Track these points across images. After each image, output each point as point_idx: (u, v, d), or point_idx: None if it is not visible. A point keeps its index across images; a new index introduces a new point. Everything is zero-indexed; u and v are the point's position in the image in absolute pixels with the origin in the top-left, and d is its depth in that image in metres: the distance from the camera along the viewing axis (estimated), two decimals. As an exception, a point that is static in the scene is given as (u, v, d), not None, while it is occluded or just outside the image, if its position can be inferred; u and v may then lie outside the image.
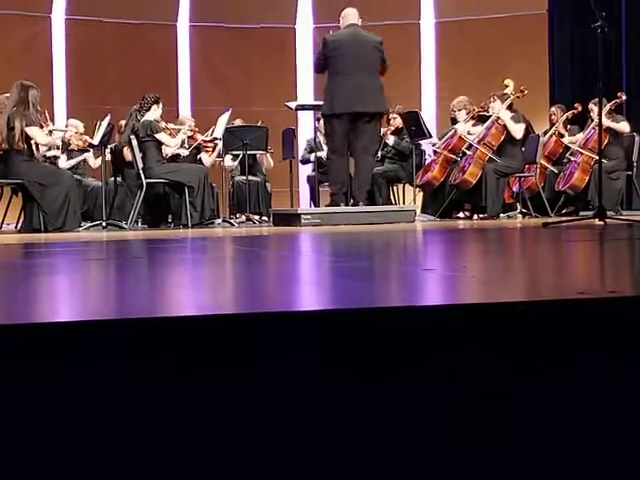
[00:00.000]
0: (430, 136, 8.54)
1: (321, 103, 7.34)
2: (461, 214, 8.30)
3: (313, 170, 8.58)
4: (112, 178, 8.31)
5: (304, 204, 10.19)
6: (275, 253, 3.29)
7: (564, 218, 6.12)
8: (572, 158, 8.43)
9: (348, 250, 3.19)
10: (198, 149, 8.61)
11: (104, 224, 7.31)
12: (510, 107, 8.18)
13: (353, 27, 7.15)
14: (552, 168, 8.74)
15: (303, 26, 12.26)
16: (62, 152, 8.54)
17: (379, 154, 8.46)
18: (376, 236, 4.49)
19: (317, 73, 7.72)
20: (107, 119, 7.69)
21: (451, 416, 0.99)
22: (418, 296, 1.44)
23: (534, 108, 9.58)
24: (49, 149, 8.07)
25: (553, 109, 9.14)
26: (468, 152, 8.31)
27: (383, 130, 8.52)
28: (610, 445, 1.02)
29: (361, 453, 0.97)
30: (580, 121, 8.80)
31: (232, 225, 7.85)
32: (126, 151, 7.99)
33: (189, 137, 8.31)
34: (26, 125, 6.75)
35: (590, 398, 1.02)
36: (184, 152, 8.19)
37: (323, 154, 8.44)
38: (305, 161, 9.42)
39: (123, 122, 8.16)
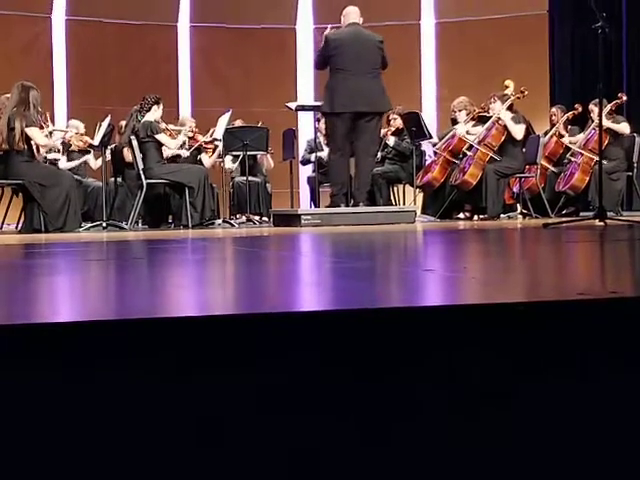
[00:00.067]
0: (430, 137, 8.54)
1: (321, 104, 7.34)
2: (461, 215, 8.29)
3: (313, 171, 8.58)
4: (112, 179, 8.31)
5: (304, 205, 10.19)
6: (275, 254, 3.29)
7: (564, 219, 6.12)
8: (572, 159, 8.44)
9: (348, 251, 3.19)
10: (198, 150, 8.62)
11: (104, 225, 7.31)
12: (510, 108, 8.18)
13: (354, 26, 7.15)
14: (552, 169, 8.74)
15: (303, 27, 12.26)
16: (62, 153, 8.54)
17: (379, 155, 8.46)
18: (376, 237, 4.49)
19: (317, 69, 7.73)
20: (107, 120, 7.69)
21: (451, 416, 0.99)
22: (418, 297, 1.44)
23: (534, 109, 9.58)
24: (50, 151, 8.07)
25: (553, 110, 9.14)
26: (468, 153, 8.31)
27: (383, 131, 8.53)
28: (610, 445, 1.02)
29: (361, 452, 0.97)
30: (580, 122, 8.80)
31: (232, 226, 7.85)
32: (126, 152, 7.99)
33: (190, 138, 8.31)
34: (26, 126, 6.75)
35: (590, 398, 1.02)
36: (185, 153, 8.19)
37: (323, 155, 8.44)
38: (305, 162, 9.42)
39: (123, 123, 8.16)
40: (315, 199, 8.80)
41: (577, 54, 11.18)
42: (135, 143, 7.45)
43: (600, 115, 5.39)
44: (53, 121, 8.76)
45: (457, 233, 5.19)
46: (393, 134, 8.90)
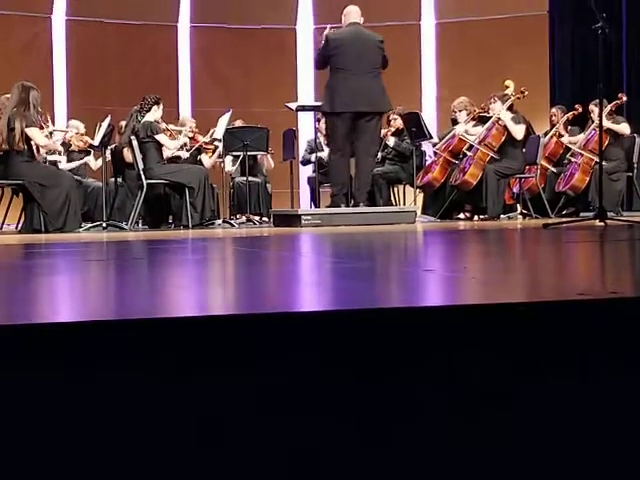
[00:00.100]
0: (431, 137, 8.54)
1: (321, 104, 7.33)
2: (461, 215, 8.30)
3: (313, 171, 8.59)
4: (112, 179, 8.31)
5: (304, 205, 10.19)
6: (275, 254, 3.29)
7: (564, 219, 6.12)
8: (572, 159, 8.44)
9: (348, 251, 3.19)
10: (199, 150, 8.62)
11: (104, 225, 7.31)
12: (511, 108, 8.18)
13: (355, 25, 7.15)
14: (552, 169, 8.74)
15: (304, 27, 12.26)
16: (63, 154, 8.53)
17: (379, 155, 8.47)
18: (376, 237, 4.49)
19: (317, 69, 7.72)
20: (107, 120, 7.69)
21: (451, 416, 0.99)
22: (419, 297, 1.44)
23: (535, 109, 9.58)
24: (52, 153, 8.07)
25: (554, 110, 9.14)
26: (469, 153, 8.31)
27: (384, 131, 8.53)
28: (610, 445, 1.02)
29: (361, 453, 0.97)
30: (581, 122, 8.80)
31: (232, 226, 7.85)
32: (126, 152, 7.99)
33: (190, 138, 8.32)
34: (26, 126, 6.75)
35: (590, 399, 1.02)
36: (184, 155, 8.19)
37: (324, 155, 8.44)
38: (305, 162, 9.42)
39: (124, 123, 8.16)
40: (315, 199, 8.81)
41: (577, 54, 11.18)
42: (135, 143, 7.46)
43: (600, 116, 5.39)
44: (53, 121, 8.76)
45: (457, 233, 5.19)
46: (393, 134, 8.90)
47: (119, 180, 8.37)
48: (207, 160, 8.70)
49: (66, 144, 8.49)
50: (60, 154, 8.39)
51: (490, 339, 1.02)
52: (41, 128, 7.11)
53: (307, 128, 10.11)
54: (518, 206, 8.48)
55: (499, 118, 8.11)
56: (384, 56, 7.10)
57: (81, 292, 1.64)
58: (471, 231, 5.49)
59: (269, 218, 8.41)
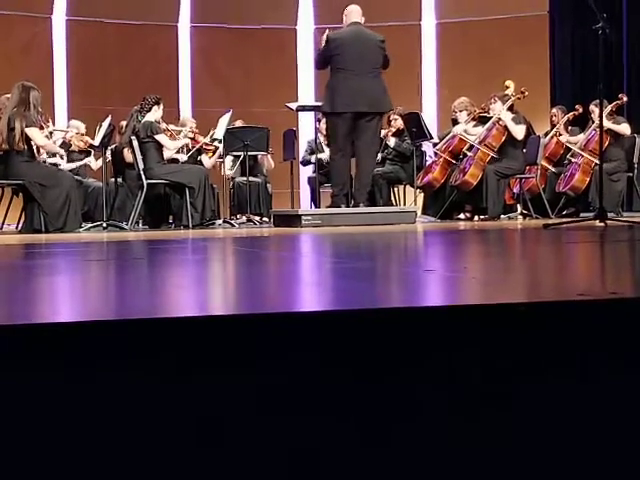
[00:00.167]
0: (431, 137, 8.55)
1: (322, 104, 7.33)
2: (462, 215, 8.30)
3: (314, 171, 8.59)
4: (113, 179, 8.31)
5: (305, 205, 10.19)
6: (276, 254, 3.29)
7: (565, 219, 6.12)
8: (573, 159, 8.44)
9: (349, 251, 3.19)
10: (199, 150, 8.62)
11: (105, 225, 7.31)
12: (511, 108, 8.18)
13: (356, 25, 7.15)
14: (552, 169, 8.74)
15: (304, 27, 12.26)
16: (63, 157, 8.53)
17: (379, 156, 8.47)
18: (377, 237, 4.49)
19: (317, 69, 7.72)
20: (108, 120, 7.69)
21: (451, 416, 0.99)
22: (419, 297, 1.44)
23: (535, 109, 9.58)
24: (52, 155, 8.07)
25: (554, 110, 9.14)
26: (469, 153, 8.31)
27: (384, 132, 8.53)
28: (610, 445, 1.02)
29: (361, 453, 0.97)
30: (581, 122, 8.80)
31: (233, 226, 7.85)
32: (127, 152, 8.00)
33: (191, 139, 8.32)
34: (26, 126, 6.75)
35: (590, 399, 1.02)
36: (183, 158, 8.20)
37: (324, 155, 8.44)
38: (306, 162, 9.42)
39: (124, 123, 8.16)
40: (315, 199, 8.81)
41: (577, 55, 11.18)
42: (135, 143, 7.46)
43: (600, 116, 5.38)
44: (54, 121, 8.77)
45: (457, 233, 5.19)
46: (394, 135, 8.90)
47: (119, 180, 8.37)
48: (207, 160, 8.70)
49: (66, 144, 8.49)
50: (62, 157, 8.39)
51: (490, 339, 1.02)
52: (41, 128, 7.11)
53: (307, 128, 10.12)
54: (518, 206, 8.48)
55: (499, 118, 8.11)
56: (385, 56, 7.09)
57: (81, 292, 1.64)
58: (471, 231, 5.49)
59: (269, 218, 8.41)
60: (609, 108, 8.06)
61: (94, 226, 7.45)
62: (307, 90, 11.90)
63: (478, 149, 8.17)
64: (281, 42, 11.99)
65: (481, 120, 8.45)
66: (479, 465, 1.00)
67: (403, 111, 8.72)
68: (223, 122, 8.22)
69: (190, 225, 7.31)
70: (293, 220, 7.05)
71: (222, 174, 9.10)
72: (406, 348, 1.00)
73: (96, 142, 7.78)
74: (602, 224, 4.85)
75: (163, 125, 7.78)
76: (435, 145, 8.74)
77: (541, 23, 11.50)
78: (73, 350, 0.94)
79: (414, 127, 8.27)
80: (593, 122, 8.20)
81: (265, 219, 8.94)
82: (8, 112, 6.83)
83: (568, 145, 8.60)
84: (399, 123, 8.78)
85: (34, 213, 6.87)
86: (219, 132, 8.22)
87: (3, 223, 8.23)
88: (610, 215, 5.68)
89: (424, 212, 8.57)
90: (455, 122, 8.66)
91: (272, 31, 11.92)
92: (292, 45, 12.19)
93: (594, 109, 8.05)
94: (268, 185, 9.45)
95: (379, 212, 7.31)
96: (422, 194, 8.79)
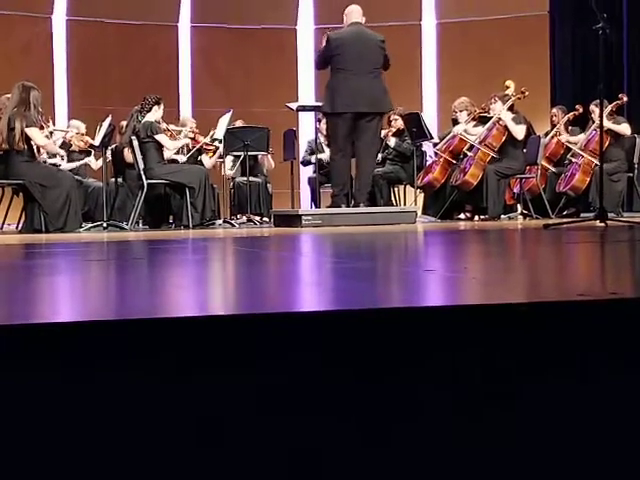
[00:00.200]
0: (431, 137, 8.55)
1: (322, 104, 7.33)
2: (462, 215, 8.30)
3: (314, 171, 8.59)
4: (113, 179, 8.32)
5: (305, 205, 10.19)
6: (276, 254, 3.29)
7: (565, 219, 6.12)
8: (573, 159, 8.44)
9: (349, 251, 3.19)
10: (199, 151, 8.62)
11: (105, 225, 7.31)
12: (511, 108, 8.18)
13: (357, 25, 7.15)
14: (553, 169, 8.74)
15: (304, 27, 12.26)
16: (64, 159, 8.54)
17: (380, 156, 8.47)
18: (377, 237, 4.49)
19: (317, 69, 7.71)
20: (108, 120, 7.69)
21: (453, 416, 0.99)
22: (419, 297, 1.44)
23: (535, 109, 9.58)
24: (53, 156, 8.07)
25: (554, 110, 9.14)
26: (469, 153, 8.32)
27: (384, 132, 8.53)
28: (610, 445, 1.02)
29: (362, 453, 0.97)
30: (581, 122, 8.81)
31: (233, 226, 7.86)
32: (127, 152, 8.00)
33: (191, 139, 8.32)
34: (26, 126, 6.75)
35: (590, 399, 1.02)
36: (182, 159, 8.20)
37: (324, 156, 8.44)
38: (306, 162, 9.42)
39: (124, 123, 8.16)
40: (316, 199, 8.81)
41: (578, 55, 11.18)
42: (136, 143, 7.46)
43: (601, 116, 5.38)
44: (54, 121, 8.76)
45: (458, 234, 5.19)
46: (394, 135, 8.91)
47: (119, 180, 8.37)
48: (207, 161, 8.70)
49: (67, 144, 8.50)
50: (62, 158, 8.40)
51: (491, 339, 1.02)
52: (41, 128, 7.11)
53: (308, 128, 10.12)
54: (519, 206, 8.49)
55: (500, 118, 8.11)
56: (385, 56, 7.09)
57: (81, 292, 1.64)
58: (471, 231, 5.49)
59: (270, 218, 8.40)
60: (609, 108, 8.06)
61: (94, 226, 7.45)
62: (307, 90, 11.90)
63: (478, 149, 8.17)
64: (281, 42, 11.99)
65: (481, 120, 8.45)
66: (481, 465, 1.00)
67: (403, 111, 8.72)
68: (223, 122, 8.22)
69: (190, 225, 7.31)
70: (293, 220, 7.05)
71: (222, 174, 9.10)
72: (407, 348, 1.00)
73: (96, 142, 7.78)
74: (602, 224, 4.85)
75: (163, 125, 7.78)
76: (435, 145, 8.75)
77: (541, 23, 11.50)
78: (73, 350, 0.94)
79: (414, 127, 8.27)
80: (593, 122, 8.20)
81: (265, 219, 8.94)
82: (8, 112, 6.83)
83: (568, 145, 8.60)
84: (399, 123, 8.78)
85: (34, 213, 6.87)
86: (219, 132, 8.22)
87: (3, 223, 8.23)
88: (610, 215, 5.67)
89: (424, 212, 8.57)
90: (455, 122, 8.66)
91: (272, 31, 11.92)
92: (292, 45, 12.19)
93: (594, 109, 8.05)
94: (268, 185, 9.46)
95: (379, 212, 7.31)
96: (422, 194, 8.80)
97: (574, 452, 1.01)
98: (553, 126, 8.90)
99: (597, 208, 5.42)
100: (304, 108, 8.12)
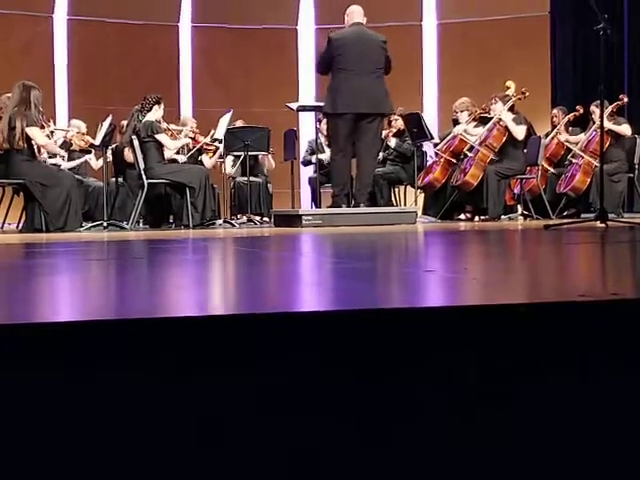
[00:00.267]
0: (432, 138, 8.55)
1: (322, 104, 7.33)
2: (462, 216, 8.30)
3: (314, 171, 8.59)
4: (113, 178, 8.32)
5: (305, 205, 10.19)
6: (276, 254, 3.29)
7: (565, 220, 6.12)
8: (574, 160, 8.44)
9: (349, 251, 3.19)
10: (199, 150, 8.62)
11: (105, 224, 7.31)
12: (512, 109, 8.18)
13: (358, 26, 7.15)
14: (553, 170, 8.74)
15: (305, 27, 12.27)
16: (65, 159, 8.54)
17: (380, 156, 8.47)
18: (377, 237, 4.49)
19: (319, 73, 7.70)
20: (109, 119, 7.69)
21: (451, 416, 0.99)
22: (419, 297, 1.44)
23: (536, 110, 9.58)
24: (54, 156, 8.07)
25: (555, 111, 9.14)
26: (469, 154, 8.32)
27: (385, 132, 8.53)
28: (610, 445, 1.02)
29: (361, 453, 0.97)
30: (582, 123, 8.81)
31: (233, 226, 7.86)
32: (127, 152, 8.00)
33: (191, 139, 8.32)
34: (27, 125, 6.76)
35: (590, 399, 1.02)
36: (182, 159, 8.20)
37: (324, 156, 8.44)
38: (306, 162, 9.42)
39: (125, 122, 8.16)
40: (316, 199, 8.81)
41: (578, 55, 11.18)
42: (136, 143, 7.46)
43: (601, 117, 5.38)
44: (54, 121, 8.77)
45: (458, 234, 5.19)
46: (394, 135, 8.91)
47: (120, 180, 8.37)
48: (208, 161, 8.70)
49: (67, 143, 8.50)
50: (63, 159, 8.40)
51: (491, 340, 1.02)
52: (42, 127, 7.11)
53: (308, 128, 10.12)
54: (519, 207, 8.49)
55: (500, 119, 8.11)
56: (387, 56, 7.09)
57: (81, 292, 1.64)
58: (472, 232, 5.48)
59: (270, 218, 8.41)
60: (610, 109, 8.06)
61: (95, 225, 7.45)
62: (308, 90, 11.90)
63: (479, 150, 8.17)
64: (282, 42, 11.99)
65: (482, 120, 8.45)
66: (479, 465, 1.00)
67: (404, 111, 8.72)
68: (224, 122, 8.23)
69: (190, 225, 7.31)
70: (294, 220, 7.05)
71: (223, 171, 9.09)
72: (406, 348, 1.00)
73: (97, 142, 7.78)
74: (603, 225, 4.85)
75: (164, 125, 7.79)
76: (436, 145, 8.75)
77: (542, 24, 11.50)
78: (73, 350, 0.94)
79: (415, 127, 8.28)
80: (594, 123, 8.20)
81: (266, 219, 8.94)
82: (9, 111, 6.83)
83: (567, 144, 8.60)
84: (400, 123, 8.79)
85: (35, 212, 6.88)
86: (220, 132, 8.22)
87: (4, 222, 8.23)
88: (611, 216, 5.67)
89: (425, 212, 8.57)
90: (456, 122, 8.66)
91: (273, 31, 11.93)
92: (293, 45, 12.19)
93: (595, 110, 8.05)
94: (269, 185, 9.46)
95: (380, 212, 7.31)
96: (423, 194, 8.80)
97: (572, 452, 1.01)
98: (554, 127, 8.90)
99: (597, 209, 5.42)
100: (304, 108, 8.12)
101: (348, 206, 7.19)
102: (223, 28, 11.84)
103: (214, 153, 8.68)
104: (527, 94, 8.32)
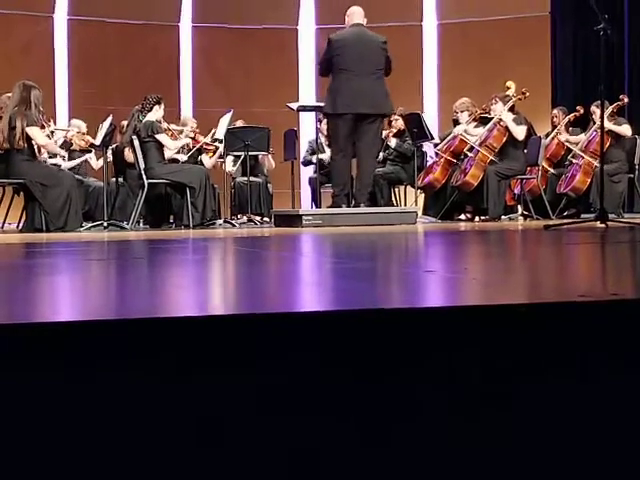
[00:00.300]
0: (432, 138, 8.55)
1: (323, 105, 7.34)
2: (462, 216, 8.30)
3: (315, 171, 8.60)
4: (114, 178, 8.32)
5: (305, 205, 10.19)
6: (276, 254, 3.29)
7: (565, 220, 6.12)
8: (574, 160, 8.44)
9: (349, 251, 3.19)
10: (199, 150, 8.63)
11: (105, 224, 7.31)
12: (512, 109, 8.18)
13: (358, 27, 7.15)
14: (553, 171, 8.74)
15: (305, 27, 12.27)
16: (65, 160, 8.54)
17: (381, 156, 8.47)
18: (377, 237, 4.49)
19: (321, 76, 7.69)
20: (109, 119, 7.69)
21: (451, 416, 0.99)
22: (419, 298, 1.44)
23: (536, 110, 9.58)
24: (54, 156, 8.07)
25: (555, 111, 9.14)
26: (470, 154, 8.31)
27: (385, 132, 8.53)
28: (610, 445, 1.02)
29: (361, 453, 0.97)
30: (582, 123, 8.81)
31: (233, 226, 7.86)
32: (128, 151, 8.00)
33: (192, 139, 8.32)
34: (27, 125, 6.76)
35: (590, 399, 1.02)
36: (183, 158, 8.20)
37: (325, 156, 8.44)
38: (307, 162, 9.42)
39: (125, 122, 8.16)
40: (316, 200, 8.81)
41: (579, 56, 11.18)
42: (136, 143, 7.46)
43: (602, 117, 5.38)
44: (55, 121, 8.77)
45: (458, 234, 5.19)
46: (395, 135, 8.91)
47: (120, 180, 8.37)
48: (208, 160, 8.70)
49: (67, 143, 8.50)
50: (64, 159, 8.40)
51: (491, 340, 1.02)
52: (42, 127, 7.11)
53: (308, 128, 10.12)
54: (519, 207, 8.49)
55: (500, 119, 8.11)
56: (388, 58, 7.08)
57: (81, 291, 1.64)
58: (472, 232, 5.48)
59: (270, 218, 8.41)
60: (610, 109, 8.06)
61: (95, 225, 7.45)
62: (308, 90, 11.90)
63: (479, 150, 8.17)
64: (282, 42, 11.99)
65: (482, 121, 8.45)
66: (479, 465, 1.00)
67: (404, 111, 8.72)
68: (224, 122, 8.23)
69: (191, 225, 7.31)
70: (294, 220, 7.05)
71: (223, 169, 9.09)
72: (406, 348, 1.00)
73: (97, 142, 7.79)
74: (603, 225, 4.85)
75: (164, 125, 7.79)
76: (436, 146, 8.75)
77: (542, 24, 11.50)
78: (73, 350, 0.94)
79: (415, 127, 8.28)
80: (594, 123, 8.20)
81: (266, 219, 8.94)
82: (9, 111, 6.83)
83: (567, 145, 8.60)
84: (400, 123, 8.79)
85: (35, 212, 6.88)
86: (220, 132, 8.22)
87: (4, 222, 8.23)
88: (611, 216, 5.67)
89: (425, 213, 8.57)
90: (456, 123, 8.66)
91: (273, 31, 11.93)
92: (293, 45, 12.19)
93: (595, 110, 8.05)
94: (269, 185, 9.46)
95: (380, 212, 7.31)
96: (423, 194, 8.80)
97: (573, 452, 1.01)
98: (554, 127, 8.90)
99: (598, 209, 5.42)
100: (305, 108, 8.13)
101: (348, 206, 7.19)
102: (223, 28, 11.84)
103: (214, 153, 8.69)
104: (527, 94, 8.32)
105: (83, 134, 8.30)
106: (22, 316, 1.12)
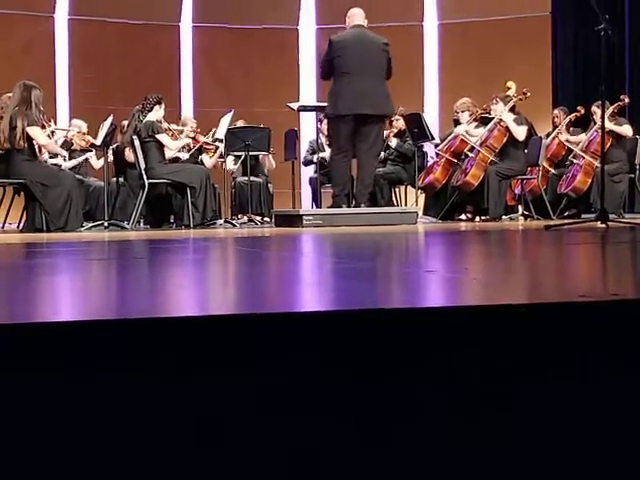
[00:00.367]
0: (432, 138, 8.55)
1: (323, 105, 7.34)
2: (463, 216, 8.30)
3: (315, 171, 8.59)
4: (114, 178, 8.32)
5: (306, 205, 10.19)
6: (277, 254, 3.29)
7: (566, 221, 6.12)
8: (574, 161, 8.44)
9: (350, 251, 3.19)
10: (199, 150, 8.63)
11: (106, 224, 7.31)
12: (512, 109, 8.18)
13: (359, 28, 7.14)
14: (554, 171, 8.74)
15: (306, 27, 12.27)
16: (66, 160, 8.54)
17: (381, 156, 8.47)
18: (378, 237, 4.49)
19: (323, 79, 7.67)
20: (110, 119, 7.69)
21: (451, 416, 0.99)
22: (420, 298, 1.44)
23: (537, 110, 9.58)
24: (55, 156, 8.07)
25: (556, 111, 9.14)
26: (470, 154, 8.31)
27: (386, 133, 8.53)
28: (610, 445, 1.02)
29: (361, 453, 0.97)
30: (583, 124, 8.80)
31: (234, 226, 7.86)
32: (128, 151, 8.00)
33: (192, 139, 8.33)
34: (28, 125, 6.76)
35: (590, 399, 1.02)
36: (184, 156, 8.20)
37: (325, 155, 8.44)
38: (307, 162, 9.42)
39: (125, 122, 8.16)
40: (317, 200, 8.81)
41: (580, 56, 11.18)
42: (137, 143, 7.46)
43: (602, 117, 5.38)
44: (55, 121, 8.77)
45: (459, 234, 5.19)
46: (395, 135, 8.90)
47: (121, 179, 8.38)
48: (208, 160, 8.70)
49: (68, 143, 8.50)
50: (64, 159, 8.40)
51: (491, 340, 1.02)
52: (43, 127, 7.11)
53: (309, 128, 10.12)
54: (520, 207, 8.48)
55: (501, 119, 8.11)
56: (389, 59, 7.08)
57: (82, 291, 1.64)
58: (472, 232, 5.48)
59: (270, 218, 8.41)
60: (611, 109, 8.06)
61: (95, 225, 7.45)
62: (308, 90, 11.90)
63: (479, 150, 8.17)
64: (282, 42, 11.99)
65: (483, 121, 8.45)
66: (479, 465, 1.00)
67: (405, 112, 8.73)
68: (224, 122, 8.23)
69: (191, 225, 7.31)
70: (294, 220, 7.05)
71: (224, 168, 9.09)
72: (406, 348, 1.00)
73: (98, 141, 7.79)
74: (603, 225, 4.85)
75: (165, 125, 7.79)
76: (437, 146, 8.75)
77: (543, 24, 11.50)
78: (73, 350, 0.94)
79: (416, 128, 8.27)
80: (595, 123, 8.20)
81: (266, 219, 8.94)
82: (10, 111, 6.83)
83: (568, 145, 8.60)
84: (401, 124, 8.78)
85: (35, 212, 6.88)
86: (220, 132, 8.23)
87: (4, 222, 8.23)
88: (611, 216, 5.67)
89: (425, 213, 8.57)
90: (457, 123, 8.66)
91: (273, 31, 11.93)
92: (293, 45, 12.19)
93: (596, 110, 8.05)
94: (269, 185, 9.46)
95: (380, 212, 7.31)
96: (423, 195, 8.80)
97: (573, 452, 1.01)
98: (555, 127, 8.90)
99: (598, 209, 5.42)
100: (305, 108, 8.13)
101: (349, 206, 7.19)
102: (224, 28, 11.84)
103: (214, 153, 8.69)
104: (528, 94, 8.32)
105: (84, 134, 8.30)
106: (22, 316, 1.12)
